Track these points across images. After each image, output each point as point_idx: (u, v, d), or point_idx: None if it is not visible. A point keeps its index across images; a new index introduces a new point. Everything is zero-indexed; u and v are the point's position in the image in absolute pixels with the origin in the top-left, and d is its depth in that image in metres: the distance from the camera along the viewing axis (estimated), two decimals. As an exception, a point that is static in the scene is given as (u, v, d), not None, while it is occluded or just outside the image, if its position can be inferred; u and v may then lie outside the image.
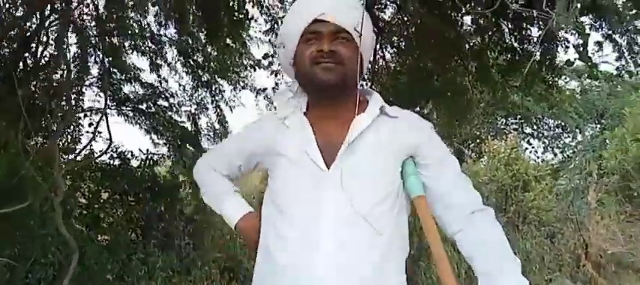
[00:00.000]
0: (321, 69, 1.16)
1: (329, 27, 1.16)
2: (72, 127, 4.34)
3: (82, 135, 4.78)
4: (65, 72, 3.31)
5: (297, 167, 1.18)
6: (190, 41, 4.80)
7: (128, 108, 5.29)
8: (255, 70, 4.12)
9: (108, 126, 3.62)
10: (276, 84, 4.48)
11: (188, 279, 3.86)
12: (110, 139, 3.71)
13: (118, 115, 5.25)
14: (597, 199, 6.02)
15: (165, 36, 5.05)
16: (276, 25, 3.89)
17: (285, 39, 1.24)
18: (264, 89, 4.70)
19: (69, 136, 4.29)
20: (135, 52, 5.06)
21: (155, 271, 3.62)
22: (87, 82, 4.66)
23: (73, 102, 4.69)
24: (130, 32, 4.77)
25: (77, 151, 3.92)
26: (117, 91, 5.14)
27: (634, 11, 3.16)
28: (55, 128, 3.39)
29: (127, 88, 5.23)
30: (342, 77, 1.16)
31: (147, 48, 5.14)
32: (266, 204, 1.26)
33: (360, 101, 1.19)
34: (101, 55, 4.50)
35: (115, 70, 4.98)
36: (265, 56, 4.17)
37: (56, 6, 3.45)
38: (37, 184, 2.67)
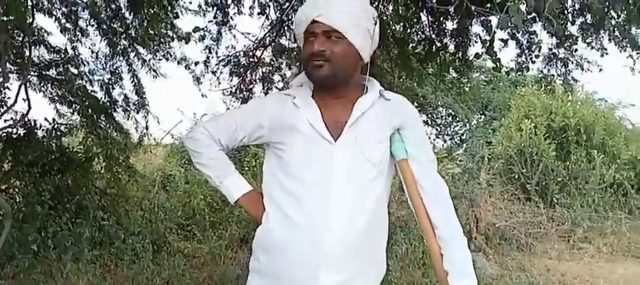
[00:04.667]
0: (312, 67, 1.33)
1: (322, 27, 1.31)
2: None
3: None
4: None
5: (308, 140, 1.35)
6: (109, 7, 4.52)
7: (33, 74, 4.88)
8: (186, 42, 4.02)
9: (27, 93, 3.36)
10: (208, 57, 4.41)
11: (110, 251, 3.73)
12: (29, 106, 3.44)
13: (19, 81, 4.83)
14: (487, 180, 6.76)
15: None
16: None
17: (296, 37, 1.42)
18: (196, 63, 4.55)
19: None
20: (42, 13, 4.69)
21: (81, 243, 3.45)
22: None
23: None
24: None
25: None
26: (19, 56, 4.71)
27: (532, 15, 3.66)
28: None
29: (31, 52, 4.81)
30: (331, 73, 1.33)
31: (56, 9, 4.77)
32: (271, 172, 1.41)
33: (360, 86, 1.41)
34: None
35: (19, 32, 4.56)
36: (196, 29, 4.07)
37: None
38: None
